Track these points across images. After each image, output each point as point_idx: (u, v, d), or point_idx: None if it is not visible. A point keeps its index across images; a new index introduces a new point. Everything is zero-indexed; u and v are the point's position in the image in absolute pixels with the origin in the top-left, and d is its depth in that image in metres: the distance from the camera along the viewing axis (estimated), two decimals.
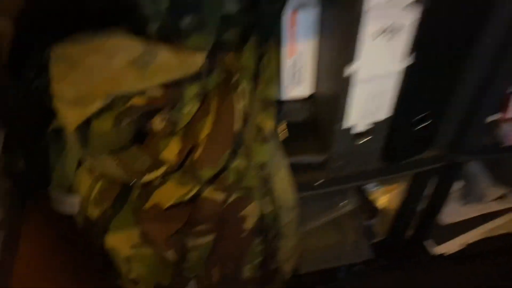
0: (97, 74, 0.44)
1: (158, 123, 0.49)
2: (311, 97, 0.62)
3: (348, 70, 0.47)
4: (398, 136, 0.57)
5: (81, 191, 0.51)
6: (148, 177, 0.49)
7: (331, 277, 0.81)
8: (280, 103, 0.61)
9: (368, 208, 0.79)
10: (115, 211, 0.52)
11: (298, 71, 0.60)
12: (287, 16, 0.54)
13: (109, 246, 0.53)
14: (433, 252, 0.84)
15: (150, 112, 0.48)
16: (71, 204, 0.51)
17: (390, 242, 0.82)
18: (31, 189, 0.56)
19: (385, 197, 0.80)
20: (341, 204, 0.75)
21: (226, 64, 0.53)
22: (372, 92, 0.50)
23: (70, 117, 0.46)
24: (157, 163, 0.49)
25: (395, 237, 0.82)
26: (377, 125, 0.54)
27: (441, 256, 0.84)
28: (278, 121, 0.59)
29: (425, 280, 0.83)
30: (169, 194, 0.49)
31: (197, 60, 0.47)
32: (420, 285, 0.83)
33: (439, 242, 0.85)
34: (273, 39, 0.55)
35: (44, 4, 0.49)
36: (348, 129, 0.54)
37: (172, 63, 0.46)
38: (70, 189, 0.51)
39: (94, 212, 0.52)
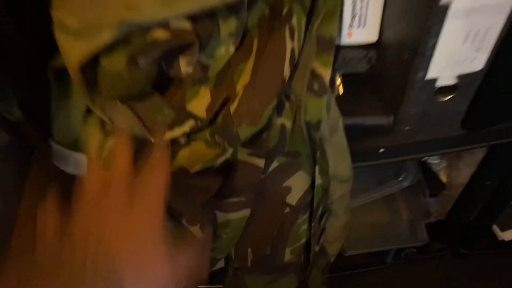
0: None
1: (185, 65, 0.37)
2: (376, 43, 0.50)
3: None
4: (490, 96, 0.44)
5: (88, 148, 0.41)
6: (171, 134, 0.39)
7: (378, 261, 0.70)
8: (337, 50, 0.49)
9: (429, 183, 0.66)
10: None
11: (362, 9, 0.47)
12: None
13: None
14: (501, 237, 0.72)
15: (175, 52, 0.37)
16: (77, 164, 0.41)
17: (451, 224, 0.70)
18: (34, 143, 0.46)
19: (451, 171, 0.68)
20: (398, 178, 0.63)
21: None
22: (470, 30, 0.37)
23: (73, 51, 0.36)
24: (183, 116, 0.38)
25: (457, 219, 0.70)
26: (467, 79, 0.42)
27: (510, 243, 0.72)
28: (333, 71, 0.47)
29: (489, 269, 0.71)
30: (196, 156, 0.39)
31: None
32: (483, 275, 0.71)
33: (507, 227, 0.72)
34: None
35: None
36: (429, 82, 0.42)
37: None
38: (76, 145, 0.41)
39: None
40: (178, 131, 0.38)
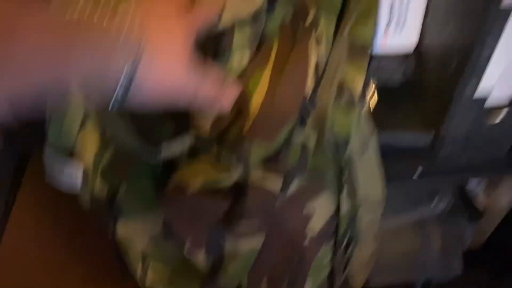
0: None
1: None
2: (416, 49, 0.44)
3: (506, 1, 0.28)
4: None
5: (85, 158, 0.37)
6: (170, 149, 0.34)
7: None
8: (370, 57, 0.43)
9: (466, 209, 0.60)
10: (130, 189, 0.38)
11: (402, 10, 0.41)
12: None
13: (121, 235, 0.39)
14: None
15: None
16: (72, 176, 0.37)
17: (488, 254, 0.63)
18: (27, 150, 0.42)
19: (489, 195, 0.61)
20: (431, 203, 0.57)
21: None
22: None
23: None
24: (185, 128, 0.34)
25: (496, 248, 0.63)
26: None
27: None
28: (366, 82, 0.41)
29: None
30: (200, 173, 0.34)
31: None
32: None
33: None
34: None
35: None
36: (478, 100, 0.36)
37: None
38: (71, 154, 0.37)
39: (103, 188, 0.38)
40: (177, 146, 0.34)
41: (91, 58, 0.25)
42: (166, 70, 0.28)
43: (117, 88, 0.26)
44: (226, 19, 0.33)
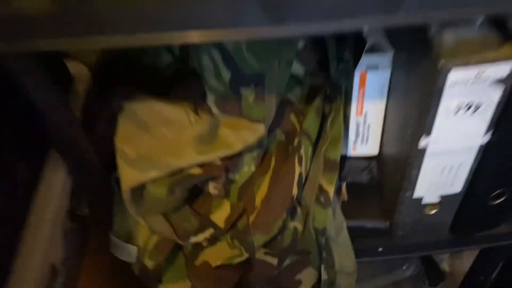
0: (162, 144, 0.45)
1: (212, 188, 0.49)
2: (376, 157, 0.60)
3: (421, 143, 0.44)
4: (470, 210, 0.53)
5: (138, 241, 0.52)
6: (195, 239, 0.49)
7: None
8: (343, 160, 0.59)
9: (430, 273, 0.73)
10: (168, 264, 0.52)
11: (364, 130, 0.57)
12: (357, 76, 0.52)
13: None
14: None
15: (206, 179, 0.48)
16: (129, 253, 0.52)
17: None
18: (94, 231, 0.57)
19: (452, 261, 0.74)
20: (401, 267, 0.71)
21: (288, 123, 0.52)
22: (446, 165, 0.47)
23: (127, 176, 0.46)
24: (206, 225, 0.49)
25: None
26: (448, 198, 0.51)
27: None
28: (339, 180, 0.57)
29: None
30: (218, 255, 0.49)
31: (259, 131, 0.46)
32: None
33: None
34: (340, 98, 0.53)
35: (118, 60, 0.51)
36: (417, 199, 0.51)
37: (233, 139, 0.45)
38: (129, 238, 0.52)
39: (150, 263, 0.52)
40: (200, 237, 0.49)
41: None
42: None
43: None
44: (239, 148, 0.48)
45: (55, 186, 0.50)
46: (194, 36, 0.28)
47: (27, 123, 0.46)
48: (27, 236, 0.46)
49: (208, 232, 0.48)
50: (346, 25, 0.28)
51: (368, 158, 0.60)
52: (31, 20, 0.27)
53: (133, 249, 0.51)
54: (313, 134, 0.52)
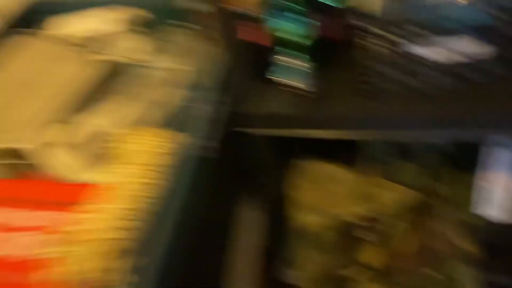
0: (330, 198, 0.61)
1: (362, 234, 0.61)
2: None
3: None
4: None
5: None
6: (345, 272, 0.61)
7: None
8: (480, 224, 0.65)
9: None
10: None
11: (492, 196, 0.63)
12: (485, 149, 0.61)
13: None
14: None
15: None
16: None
17: None
18: None
19: None
20: None
21: (427, 188, 0.63)
22: None
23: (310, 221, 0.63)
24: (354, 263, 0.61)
25: None
26: None
27: None
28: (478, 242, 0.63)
29: None
30: None
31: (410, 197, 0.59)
32: None
33: None
34: (468, 167, 0.62)
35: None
36: None
37: (390, 200, 0.59)
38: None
39: None
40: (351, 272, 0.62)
41: None
42: None
43: None
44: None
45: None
46: None
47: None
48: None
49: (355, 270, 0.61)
50: None
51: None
52: None
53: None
54: (450, 195, 0.62)
